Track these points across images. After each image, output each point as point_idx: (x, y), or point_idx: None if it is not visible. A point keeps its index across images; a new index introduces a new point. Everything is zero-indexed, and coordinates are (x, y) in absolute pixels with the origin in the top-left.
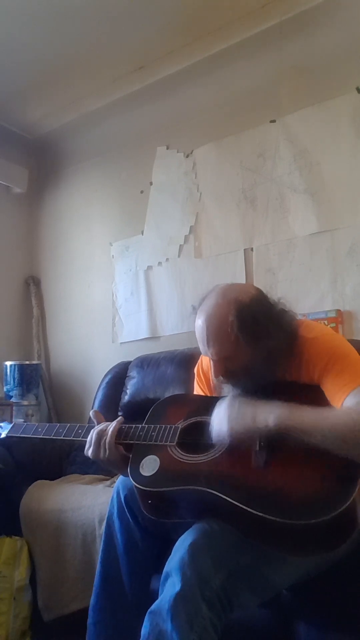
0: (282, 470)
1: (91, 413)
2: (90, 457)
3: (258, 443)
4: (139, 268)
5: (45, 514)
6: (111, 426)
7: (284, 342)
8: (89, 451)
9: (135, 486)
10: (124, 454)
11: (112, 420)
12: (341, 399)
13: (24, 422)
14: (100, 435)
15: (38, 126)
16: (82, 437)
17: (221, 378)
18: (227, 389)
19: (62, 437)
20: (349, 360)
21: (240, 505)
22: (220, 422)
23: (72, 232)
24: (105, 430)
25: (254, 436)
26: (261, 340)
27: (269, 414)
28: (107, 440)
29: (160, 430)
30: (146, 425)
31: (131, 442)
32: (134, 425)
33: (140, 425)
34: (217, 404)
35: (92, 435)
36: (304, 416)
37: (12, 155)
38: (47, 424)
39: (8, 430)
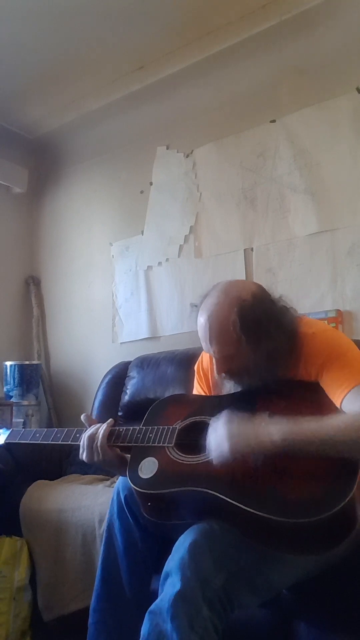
0: (280, 468)
1: (82, 417)
2: (86, 461)
3: None
4: (139, 268)
5: (45, 514)
6: (102, 429)
7: (285, 340)
8: (83, 455)
9: (134, 489)
10: (120, 455)
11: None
12: (341, 395)
13: (22, 424)
14: (92, 439)
15: (38, 126)
16: (79, 442)
17: (223, 375)
18: (229, 386)
19: (59, 442)
20: (349, 356)
21: (239, 505)
22: (220, 442)
23: (72, 232)
24: (96, 433)
25: (259, 452)
26: (263, 339)
27: (272, 429)
28: (99, 444)
29: (158, 431)
30: (143, 427)
31: (129, 444)
32: (131, 428)
33: (137, 427)
34: (211, 424)
35: (84, 439)
36: (308, 427)
37: (12, 155)
38: (45, 429)
39: (6, 436)
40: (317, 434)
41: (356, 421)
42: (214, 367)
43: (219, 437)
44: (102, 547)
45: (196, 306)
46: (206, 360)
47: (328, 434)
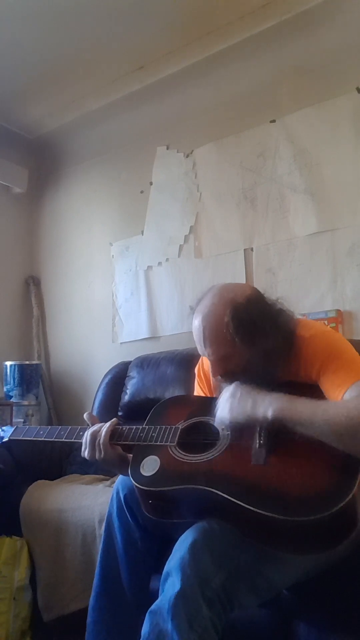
0: (281, 467)
1: (85, 415)
2: (87, 459)
3: (257, 440)
4: (139, 268)
5: (45, 514)
6: (105, 427)
7: (281, 342)
8: (85, 452)
9: (136, 486)
10: (121, 454)
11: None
12: (339, 396)
13: (24, 423)
14: (94, 436)
15: (38, 126)
16: (83, 439)
17: (220, 377)
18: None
19: (63, 439)
20: (347, 358)
21: (240, 503)
22: (223, 409)
23: (72, 232)
24: (99, 431)
25: (253, 426)
26: (257, 340)
27: (268, 405)
28: (101, 441)
29: (161, 430)
30: (146, 426)
31: (131, 443)
32: (134, 427)
33: (140, 427)
34: (224, 389)
35: (87, 436)
36: (301, 408)
37: (12, 155)
38: (49, 427)
39: (10, 433)
40: (309, 416)
41: (350, 409)
42: (210, 369)
43: (223, 404)
44: (101, 546)
45: (194, 309)
46: (207, 362)
47: (320, 418)
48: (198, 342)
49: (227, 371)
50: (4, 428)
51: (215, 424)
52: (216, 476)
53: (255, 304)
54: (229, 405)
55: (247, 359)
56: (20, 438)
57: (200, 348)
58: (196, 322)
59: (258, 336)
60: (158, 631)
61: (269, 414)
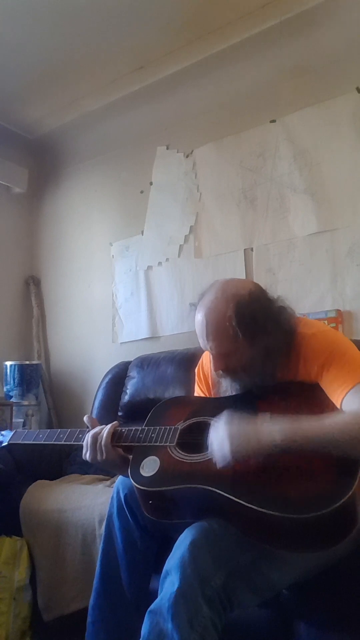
0: (281, 465)
1: (85, 418)
2: (89, 461)
3: None
4: (139, 268)
5: (45, 514)
6: (106, 429)
7: (282, 338)
8: (86, 455)
9: (136, 487)
10: (122, 455)
11: (109, 423)
12: (340, 395)
13: (22, 425)
14: (95, 438)
15: (38, 126)
16: (82, 441)
17: (221, 373)
18: (227, 384)
19: (62, 442)
20: (348, 356)
21: (240, 502)
22: (221, 443)
23: (72, 232)
24: (100, 432)
25: (260, 453)
26: (259, 335)
27: (273, 430)
28: (103, 443)
29: (160, 431)
30: (146, 427)
31: (131, 444)
32: (133, 428)
33: (139, 428)
34: (213, 424)
35: (87, 438)
36: (307, 425)
37: (12, 155)
38: (48, 430)
39: (10, 437)
40: (316, 433)
41: (355, 420)
42: (212, 364)
43: (220, 438)
44: (101, 546)
45: (194, 305)
46: (206, 363)
47: (328, 433)
48: (200, 336)
49: (229, 366)
50: (3, 432)
51: (217, 463)
52: (216, 475)
53: (258, 299)
54: (228, 437)
55: (248, 353)
56: (20, 442)
57: (202, 342)
58: (199, 316)
59: (260, 331)
60: (158, 630)
61: (278, 438)
